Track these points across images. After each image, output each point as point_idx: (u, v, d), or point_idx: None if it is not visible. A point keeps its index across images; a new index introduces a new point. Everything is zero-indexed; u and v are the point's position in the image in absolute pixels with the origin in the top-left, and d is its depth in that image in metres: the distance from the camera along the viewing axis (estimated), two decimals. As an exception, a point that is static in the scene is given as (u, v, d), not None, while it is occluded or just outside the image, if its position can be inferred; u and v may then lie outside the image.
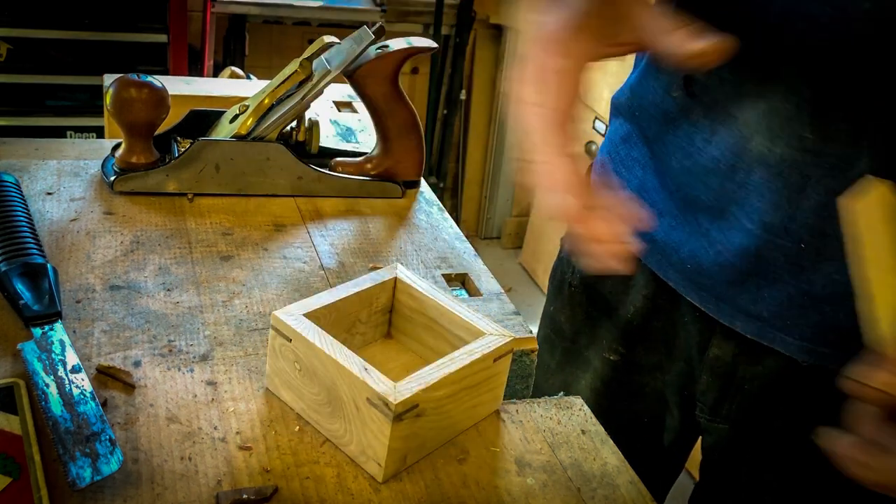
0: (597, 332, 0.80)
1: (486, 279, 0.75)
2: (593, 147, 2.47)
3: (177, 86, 1.21)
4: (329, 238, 0.79)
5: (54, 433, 0.49)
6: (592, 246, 0.50)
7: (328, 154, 0.89)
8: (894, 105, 0.54)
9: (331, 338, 0.53)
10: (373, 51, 0.81)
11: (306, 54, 0.82)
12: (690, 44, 0.49)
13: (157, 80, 0.78)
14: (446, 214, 0.86)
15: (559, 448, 0.58)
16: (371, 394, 0.50)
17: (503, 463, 0.56)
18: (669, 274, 0.70)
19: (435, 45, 0.85)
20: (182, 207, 0.80)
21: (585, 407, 0.62)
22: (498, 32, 3.19)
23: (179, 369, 0.59)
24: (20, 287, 0.61)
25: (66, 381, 0.53)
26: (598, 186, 0.51)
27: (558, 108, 0.49)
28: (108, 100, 0.77)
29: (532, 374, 0.67)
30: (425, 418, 0.52)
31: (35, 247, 0.65)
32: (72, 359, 0.56)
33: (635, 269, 0.74)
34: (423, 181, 0.91)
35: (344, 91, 1.16)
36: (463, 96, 3.18)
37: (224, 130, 0.83)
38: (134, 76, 0.77)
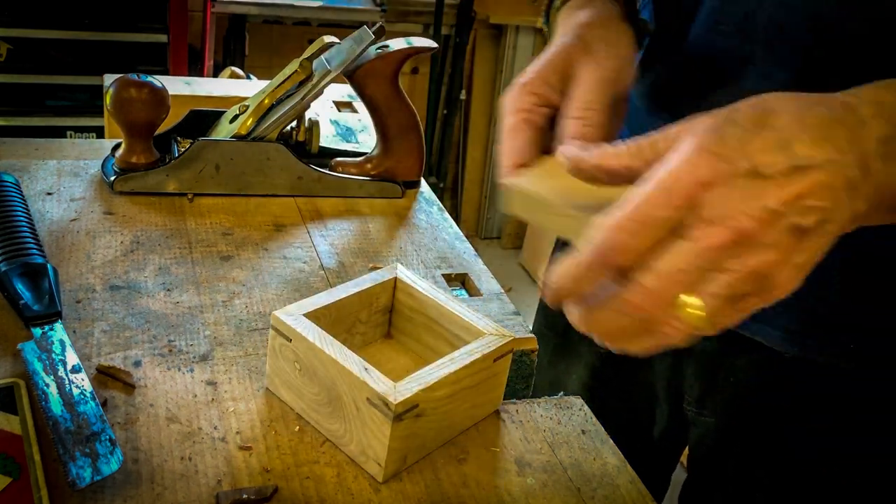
0: None
1: (486, 279, 0.75)
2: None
3: (177, 86, 1.21)
4: (329, 238, 0.79)
5: (54, 433, 0.49)
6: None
7: (328, 154, 0.89)
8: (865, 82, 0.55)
9: (331, 338, 0.53)
10: (373, 51, 0.81)
11: (306, 54, 0.82)
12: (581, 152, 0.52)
13: (157, 80, 0.78)
14: (446, 214, 0.86)
15: (559, 448, 0.58)
16: (371, 394, 0.50)
17: (503, 463, 0.56)
18: None
19: (435, 45, 0.85)
20: (182, 207, 0.80)
21: (585, 407, 0.62)
22: (498, 32, 3.19)
23: (179, 369, 0.59)
24: (20, 287, 0.61)
25: (66, 381, 0.53)
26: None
27: (507, 164, 0.54)
28: (108, 100, 0.77)
29: (532, 374, 0.67)
30: (425, 418, 0.52)
31: (35, 247, 0.65)
32: (72, 359, 0.56)
33: None
34: (423, 181, 0.91)
35: (344, 91, 1.16)
36: (463, 96, 3.18)
37: (224, 130, 0.83)
38: (134, 76, 0.77)
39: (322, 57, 0.83)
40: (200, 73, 2.54)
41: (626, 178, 0.47)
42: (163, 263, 0.71)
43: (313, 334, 0.54)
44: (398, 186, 0.87)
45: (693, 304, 0.44)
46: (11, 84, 2.33)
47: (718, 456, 0.74)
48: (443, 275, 0.75)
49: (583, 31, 0.59)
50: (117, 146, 0.82)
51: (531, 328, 0.72)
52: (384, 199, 0.87)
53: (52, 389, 0.53)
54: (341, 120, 1.07)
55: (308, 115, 0.87)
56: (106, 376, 0.57)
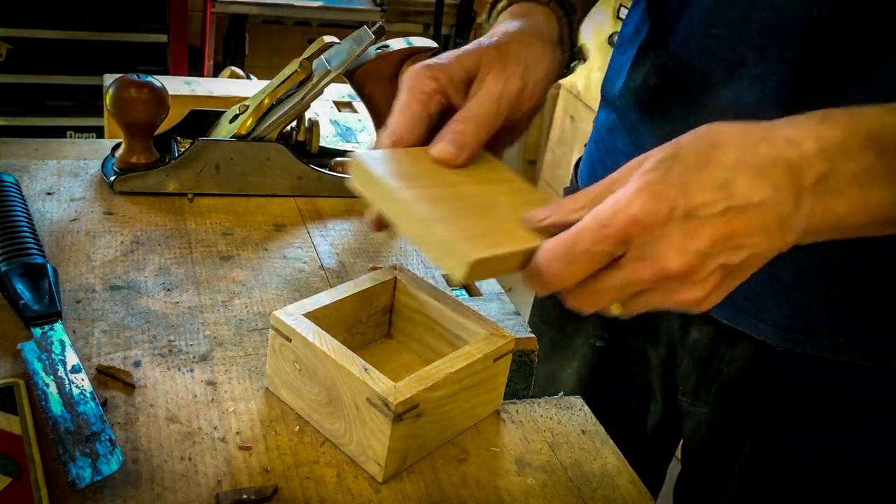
0: (583, 319, 0.81)
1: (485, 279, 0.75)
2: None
3: (177, 86, 1.21)
4: (329, 238, 0.79)
5: (54, 433, 0.49)
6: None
7: (328, 154, 0.89)
8: (857, 88, 0.56)
9: (331, 338, 0.53)
10: (373, 51, 0.81)
11: (306, 54, 0.82)
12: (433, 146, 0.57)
13: (157, 80, 0.78)
14: (446, 214, 0.86)
15: (559, 448, 0.58)
16: (371, 394, 0.50)
17: (503, 463, 0.56)
18: None
19: (435, 45, 0.85)
20: (182, 207, 0.80)
21: (585, 407, 0.62)
22: (498, 32, 3.18)
23: (179, 369, 0.59)
24: (20, 287, 0.61)
25: (66, 381, 0.53)
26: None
27: (388, 138, 0.57)
28: (108, 100, 0.77)
29: (532, 374, 0.67)
30: (425, 418, 0.52)
31: (35, 247, 0.65)
32: (72, 359, 0.56)
33: None
34: (423, 181, 0.91)
35: (344, 91, 1.16)
36: (463, 96, 3.17)
37: (224, 130, 0.83)
38: (134, 76, 0.77)
39: (322, 57, 0.83)
40: (200, 73, 2.54)
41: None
42: (163, 263, 0.71)
43: (313, 334, 0.54)
44: (398, 186, 0.87)
45: (617, 307, 0.49)
46: (11, 84, 2.33)
47: (712, 448, 0.74)
48: (443, 275, 0.75)
49: (505, 41, 0.60)
50: (117, 146, 0.82)
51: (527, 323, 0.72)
52: (384, 199, 0.87)
53: (52, 389, 0.53)
54: (341, 120, 1.07)
55: (308, 115, 0.87)
56: (106, 376, 0.57)
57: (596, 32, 2.58)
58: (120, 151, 0.81)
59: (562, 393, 0.64)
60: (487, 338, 0.56)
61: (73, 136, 2.42)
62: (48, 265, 0.63)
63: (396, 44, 0.82)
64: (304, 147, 0.87)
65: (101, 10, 2.31)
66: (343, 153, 0.90)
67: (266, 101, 0.82)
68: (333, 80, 0.81)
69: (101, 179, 0.82)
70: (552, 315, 0.84)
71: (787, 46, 0.58)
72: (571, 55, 0.69)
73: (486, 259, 0.48)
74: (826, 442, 0.67)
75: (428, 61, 0.58)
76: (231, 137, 0.82)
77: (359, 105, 1.12)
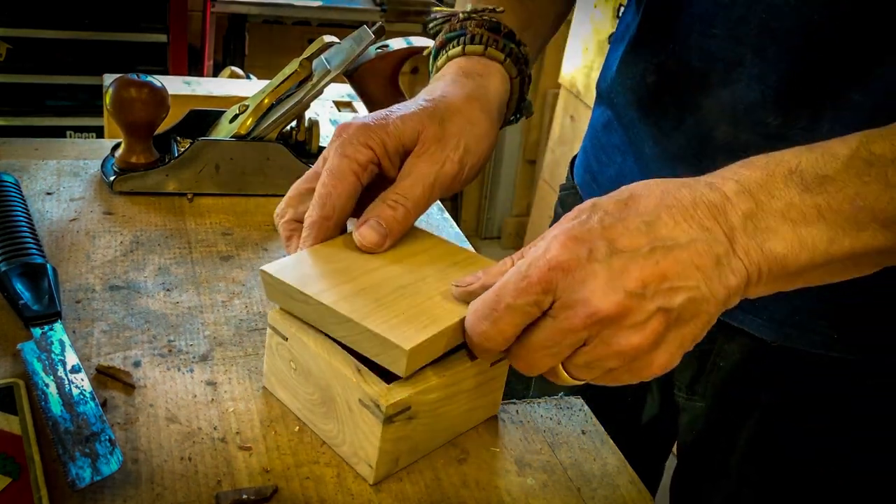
0: None
1: (486, 279, 0.75)
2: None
3: (177, 86, 1.21)
4: (329, 238, 0.78)
5: (54, 433, 0.49)
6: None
7: (328, 154, 0.89)
8: (856, 88, 0.56)
9: (325, 338, 0.53)
10: (373, 50, 0.81)
11: (306, 54, 0.82)
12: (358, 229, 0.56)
13: (157, 80, 0.78)
14: (446, 214, 0.86)
15: (559, 448, 0.58)
16: (363, 395, 0.50)
17: (503, 463, 0.56)
18: None
19: (431, 42, 0.85)
20: (182, 207, 0.80)
21: (585, 407, 0.62)
22: (498, 32, 3.18)
23: (179, 369, 0.59)
24: (20, 287, 0.61)
25: (66, 382, 0.53)
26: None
27: (320, 213, 0.56)
28: (107, 100, 0.77)
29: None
30: (418, 421, 0.52)
31: (35, 247, 0.65)
32: (71, 359, 0.56)
33: None
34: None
35: (344, 91, 1.16)
36: (463, 96, 3.17)
37: (224, 130, 0.83)
38: (134, 76, 0.77)
39: (322, 57, 0.83)
40: (200, 73, 2.54)
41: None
42: (162, 263, 0.71)
43: (308, 334, 0.53)
44: (398, 186, 0.87)
45: (562, 370, 0.47)
46: (11, 84, 2.32)
47: (707, 443, 0.74)
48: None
49: (449, 115, 0.58)
50: (117, 146, 0.82)
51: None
52: (384, 199, 0.87)
53: (52, 389, 0.53)
54: (341, 120, 1.07)
55: (308, 114, 0.87)
56: (106, 376, 0.57)
57: (596, 32, 2.58)
58: (120, 151, 0.81)
59: (562, 393, 0.64)
60: None
61: (73, 136, 2.42)
62: (48, 265, 0.63)
63: (396, 44, 0.82)
64: (304, 147, 0.87)
65: (101, 10, 2.31)
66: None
67: (266, 100, 0.82)
68: (333, 80, 0.81)
69: (100, 179, 0.82)
70: None
71: (785, 47, 0.58)
72: (518, 109, 0.68)
73: (424, 342, 0.48)
74: (822, 441, 0.67)
75: (365, 121, 0.56)
76: (231, 137, 0.82)
77: (359, 105, 1.12)
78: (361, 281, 0.53)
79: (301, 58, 0.82)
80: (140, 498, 0.48)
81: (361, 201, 0.57)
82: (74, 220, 0.75)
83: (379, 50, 0.81)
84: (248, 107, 0.83)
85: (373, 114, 0.58)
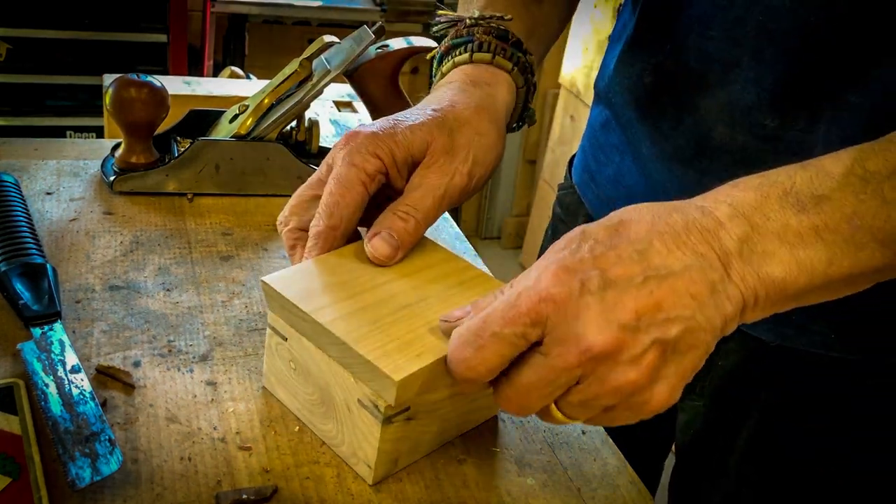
0: None
1: (486, 279, 0.75)
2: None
3: (177, 86, 1.21)
4: (329, 238, 0.78)
5: (54, 433, 0.49)
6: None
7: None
8: (853, 90, 0.56)
9: None
10: (373, 50, 0.81)
11: (306, 54, 0.82)
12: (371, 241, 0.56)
13: (157, 80, 0.78)
14: (446, 214, 0.86)
15: (559, 448, 0.58)
16: (362, 395, 0.50)
17: (503, 463, 0.56)
18: None
19: (435, 44, 0.85)
20: (182, 207, 0.80)
21: (585, 407, 0.62)
22: (498, 32, 3.18)
23: (179, 369, 0.59)
24: (20, 287, 0.61)
25: (66, 381, 0.53)
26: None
27: (327, 222, 0.55)
28: (107, 100, 0.77)
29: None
30: (417, 422, 0.52)
31: (34, 247, 0.65)
32: (71, 359, 0.56)
33: None
34: (423, 181, 0.91)
35: (344, 91, 1.16)
36: (463, 96, 3.17)
37: (224, 130, 0.83)
38: (134, 76, 0.77)
39: (322, 57, 0.83)
40: (200, 73, 2.54)
41: None
42: (162, 263, 0.71)
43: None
44: (398, 186, 0.87)
45: (555, 409, 0.45)
46: (11, 84, 2.33)
47: (705, 443, 0.74)
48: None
49: (457, 126, 0.57)
50: (117, 146, 0.82)
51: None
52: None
53: (52, 389, 0.53)
54: (341, 120, 1.07)
55: (308, 114, 0.87)
56: (105, 376, 0.57)
57: (596, 32, 2.58)
58: (120, 151, 0.81)
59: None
60: None
61: (73, 136, 2.42)
62: (48, 265, 0.63)
63: (396, 43, 0.82)
64: (304, 147, 0.87)
65: (101, 10, 2.31)
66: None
67: (266, 100, 0.82)
68: (333, 80, 0.81)
69: (100, 179, 0.82)
70: None
71: (782, 49, 0.58)
72: (521, 117, 0.68)
73: (416, 373, 0.47)
74: (822, 441, 0.67)
75: (374, 130, 0.56)
76: (231, 137, 0.82)
77: (359, 105, 1.12)
78: (363, 298, 0.52)
79: (301, 58, 0.82)
80: (140, 498, 0.48)
81: (366, 211, 0.56)
82: (74, 220, 0.75)
83: (379, 50, 0.81)
84: (248, 107, 0.83)
85: (380, 121, 0.57)
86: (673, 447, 0.85)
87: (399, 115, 0.58)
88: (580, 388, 0.43)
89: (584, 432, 0.60)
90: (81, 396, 0.52)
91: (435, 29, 0.71)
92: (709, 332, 0.43)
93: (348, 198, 0.54)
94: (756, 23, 0.58)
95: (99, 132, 2.36)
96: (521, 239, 3.28)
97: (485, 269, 0.77)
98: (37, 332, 0.58)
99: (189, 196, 0.81)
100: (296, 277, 0.53)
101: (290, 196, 0.84)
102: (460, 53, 0.65)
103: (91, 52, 2.37)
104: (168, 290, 0.67)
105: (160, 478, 0.50)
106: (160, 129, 0.81)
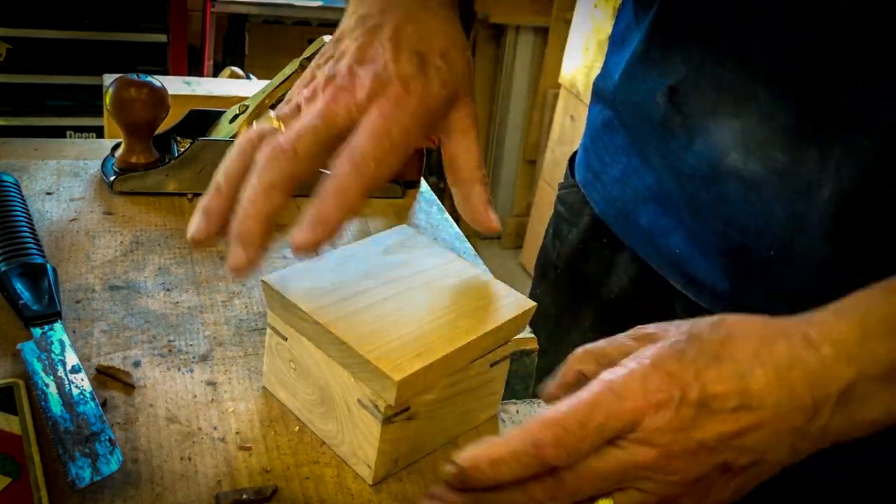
0: (581, 314, 0.81)
1: (486, 279, 0.75)
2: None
3: (177, 86, 1.21)
4: (329, 238, 0.78)
5: (54, 433, 0.49)
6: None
7: (328, 154, 0.89)
8: (861, 133, 0.55)
9: None
10: (373, 51, 0.81)
11: (306, 54, 0.82)
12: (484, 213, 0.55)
13: (157, 80, 0.78)
14: (446, 214, 0.86)
15: (559, 448, 0.58)
16: (362, 395, 0.50)
17: (503, 463, 0.55)
18: (654, 258, 0.71)
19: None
20: (182, 207, 0.80)
21: (585, 407, 0.62)
22: (498, 32, 3.19)
23: (179, 369, 0.59)
24: (20, 287, 0.61)
25: (66, 381, 0.53)
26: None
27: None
28: (107, 100, 0.77)
29: (532, 375, 0.67)
30: (417, 422, 0.52)
31: (34, 247, 0.65)
32: (71, 359, 0.56)
33: (619, 250, 0.75)
34: (423, 181, 0.91)
35: (344, 91, 1.16)
36: (463, 96, 3.17)
37: (224, 130, 0.83)
38: (134, 76, 0.77)
39: (322, 57, 0.83)
40: (200, 73, 2.54)
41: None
42: (162, 263, 0.71)
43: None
44: (398, 186, 0.87)
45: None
46: (11, 84, 2.33)
47: None
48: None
49: (403, 17, 0.53)
50: (117, 146, 0.82)
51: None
52: (384, 199, 0.87)
53: (52, 389, 0.53)
54: (341, 120, 1.07)
55: (308, 114, 0.86)
56: (105, 376, 0.57)
57: (596, 31, 2.58)
58: (120, 151, 0.81)
59: (562, 393, 0.64)
60: None
61: (73, 136, 2.42)
62: (48, 265, 0.63)
63: (396, 43, 0.82)
64: (304, 147, 0.87)
65: (101, 10, 2.31)
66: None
67: (266, 101, 0.82)
68: (333, 80, 0.81)
69: (100, 179, 0.82)
70: (549, 309, 0.84)
71: (799, 89, 0.56)
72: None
73: (416, 373, 0.47)
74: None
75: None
76: (231, 137, 0.82)
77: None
78: (363, 298, 0.52)
79: (301, 58, 0.82)
80: (140, 498, 0.48)
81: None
82: (74, 220, 0.75)
83: (379, 50, 0.81)
84: (248, 107, 0.83)
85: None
86: None
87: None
88: (635, 493, 0.44)
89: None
90: (81, 396, 0.52)
91: None
92: (775, 467, 0.45)
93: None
94: (773, 60, 0.57)
95: (99, 132, 2.36)
96: (521, 239, 3.28)
97: (485, 269, 0.77)
98: (37, 332, 0.58)
99: (189, 196, 0.82)
100: (296, 277, 0.54)
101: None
102: None
103: (91, 52, 2.37)
104: (168, 290, 0.67)
105: (160, 478, 0.50)
106: (160, 129, 0.81)
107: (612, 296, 0.77)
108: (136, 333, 0.62)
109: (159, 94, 0.77)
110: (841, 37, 0.54)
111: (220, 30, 2.68)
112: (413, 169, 0.88)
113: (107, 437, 0.49)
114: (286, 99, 0.57)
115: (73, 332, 0.61)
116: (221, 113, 0.87)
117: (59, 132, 2.38)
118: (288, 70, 0.82)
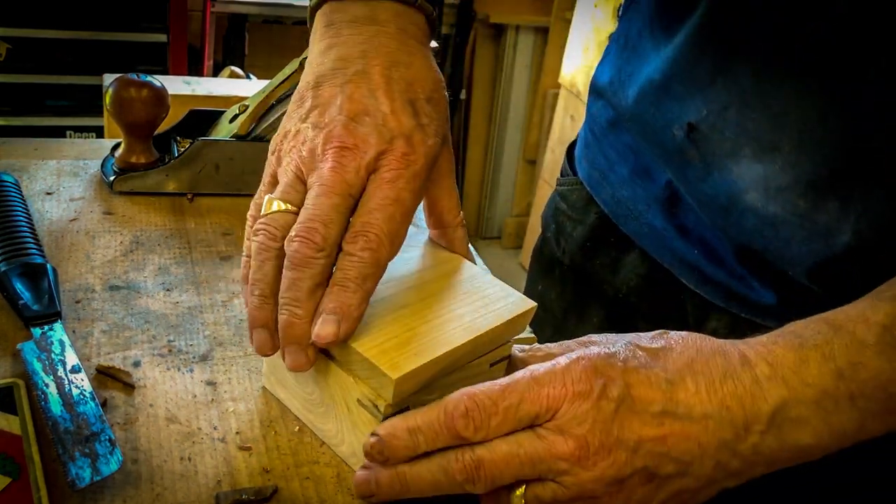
0: (587, 311, 0.80)
1: (486, 279, 0.75)
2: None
3: (177, 86, 1.21)
4: (329, 238, 0.78)
5: (54, 433, 0.49)
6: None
7: (328, 154, 0.89)
8: (884, 186, 0.55)
9: None
10: (373, 50, 0.81)
11: (306, 54, 0.82)
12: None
13: (157, 80, 0.78)
14: (446, 214, 0.86)
15: (559, 448, 0.58)
16: (361, 395, 0.50)
17: (503, 463, 0.55)
18: (666, 257, 0.70)
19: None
20: (182, 207, 0.80)
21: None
22: (498, 32, 3.19)
23: (179, 369, 0.59)
24: (20, 287, 0.61)
25: (66, 381, 0.53)
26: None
27: None
28: (107, 100, 0.77)
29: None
30: None
31: (34, 247, 0.65)
32: (71, 359, 0.56)
33: (628, 248, 0.75)
34: (422, 181, 0.91)
35: (344, 91, 1.16)
36: (463, 96, 3.18)
37: (224, 130, 0.83)
38: (134, 76, 0.77)
39: (322, 57, 0.83)
40: (200, 73, 2.55)
41: None
42: (162, 263, 0.71)
43: None
44: (398, 186, 0.87)
45: (518, 495, 0.45)
46: (11, 84, 2.33)
47: None
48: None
49: (387, 61, 0.53)
50: (117, 146, 0.82)
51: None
52: (384, 199, 0.87)
53: (52, 389, 0.53)
54: (341, 120, 1.07)
55: (308, 114, 0.86)
56: (105, 376, 0.57)
57: (596, 32, 2.59)
58: (119, 151, 0.81)
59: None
60: None
61: (73, 135, 2.43)
62: (48, 265, 0.63)
63: (396, 43, 0.82)
64: (304, 147, 0.87)
65: (101, 10, 2.31)
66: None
67: (266, 100, 0.82)
68: (333, 80, 0.81)
69: (100, 179, 0.82)
70: (554, 305, 0.84)
71: (827, 146, 0.55)
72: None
73: (414, 371, 0.47)
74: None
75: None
76: (231, 137, 0.82)
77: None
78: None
79: (301, 58, 0.82)
80: (140, 498, 0.48)
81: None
82: (74, 220, 0.75)
83: (379, 50, 0.81)
84: (247, 107, 0.83)
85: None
86: None
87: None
88: (550, 485, 0.44)
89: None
90: (81, 396, 0.52)
91: None
92: (702, 483, 0.44)
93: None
94: (799, 118, 0.56)
95: (99, 132, 2.37)
96: (521, 239, 3.28)
97: (485, 268, 0.77)
98: (37, 332, 0.58)
99: (189, 196, 0.82)
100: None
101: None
102: None
103: (91, 52, 2.37)
104: (168, 290, 0.67)
105: (160, 478, 0.50)
106: (160, 129, 0.81)
107: (620, 294, 0.76)
108: (136, 333, 0.62)
109: (159, 94, 0.77)
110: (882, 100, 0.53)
111: (220, 30, 2.68)
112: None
113: (107, 437, 0.49)
114: (274, 159, 0.55)
115: (73, 332, 0.61)
116: (221, 113, 0.87)
117: (59, 132, 2.38)
118: (288, 70, 0.82)
